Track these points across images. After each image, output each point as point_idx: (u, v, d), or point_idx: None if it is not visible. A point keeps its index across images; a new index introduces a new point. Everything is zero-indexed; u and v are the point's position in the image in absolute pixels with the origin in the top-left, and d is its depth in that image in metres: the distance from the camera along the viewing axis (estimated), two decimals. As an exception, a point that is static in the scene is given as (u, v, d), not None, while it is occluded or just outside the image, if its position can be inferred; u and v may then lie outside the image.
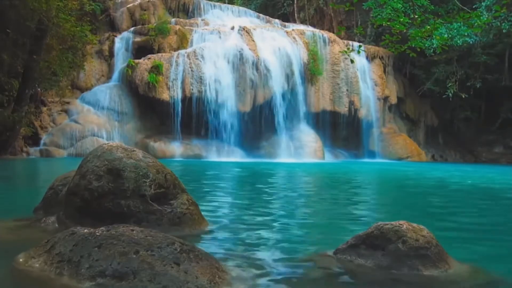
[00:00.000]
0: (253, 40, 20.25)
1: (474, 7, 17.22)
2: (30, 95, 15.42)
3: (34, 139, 16.86)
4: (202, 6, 23.42)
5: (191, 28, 20.97)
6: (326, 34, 22.74)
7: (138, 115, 19.06)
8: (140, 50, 19.94)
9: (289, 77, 20.49)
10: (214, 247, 2.83)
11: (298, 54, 20.91)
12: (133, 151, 3.29)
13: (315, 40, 22.04)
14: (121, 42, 20.37)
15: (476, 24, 6.75)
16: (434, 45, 18.55)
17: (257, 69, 19.69)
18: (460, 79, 22.96)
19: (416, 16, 8.06)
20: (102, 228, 2.26)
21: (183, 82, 18.73)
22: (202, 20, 22.14)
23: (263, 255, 2.71)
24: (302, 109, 21.05)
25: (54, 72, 16.00)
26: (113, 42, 20.35)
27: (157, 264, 2.03)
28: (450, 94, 22.76)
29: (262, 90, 19.83)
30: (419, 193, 7.63)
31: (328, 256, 2.63)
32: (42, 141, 17.02)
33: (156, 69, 18.55)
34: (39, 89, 17.09)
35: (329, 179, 10.33)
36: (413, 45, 7.94)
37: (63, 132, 17.25)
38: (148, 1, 22.16)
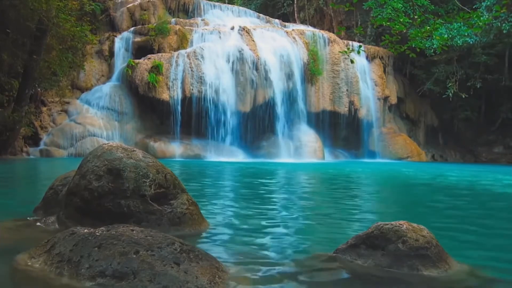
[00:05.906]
0: (253, 40, 20.25)
1: (474, 7, 17.20)
2: (30, 95, 15.42)
3: (34, 139, 16.86)
4: (202, 6, 23.42)
5: (191, 28, 20.97)
6: (326, 34, 22.74)
7: (138, 115, 19.06)
8: (140, 50, 19.94)
9: (289, 77, 20.49)
10: (214, 247, 2.83)
11: (298, 54, 20.91)
12: (133, 151, 3.29)
13: (315, 40, 22.04)
14: (121, 42, 20.37)
15: (476, 24, 6.73)
16: (434, 45, 18.54)
17: (257, 69, 19.67)
18: (460, 79, 22.97)
19: (416, 16, 8.05)
20: (102, 228, 2.26)
21: (183, 82, 18.72)
22: (202, 20, 22.14)
23: (263, 255, 2.71)
24: (302, 109, 21.05)
25: (54, 72, 15.99)
26: (113, 42, 20.35)
27: (157, 264, 2.03)
28: (450, 94, 22.76)
29: (262, 90, 19.82)
30: (419, 193, 7.62)
31: (328, 256, 2.62)
32: (42, 141, 17.02)
33: (156, 69, 18.55)
34: (39, 89, 17.09)
35: (329, 179, 10.32)
36: (413, 45, 7.92)
37: (63, 132, 17.25)
38: (148, 1, 22.16)
